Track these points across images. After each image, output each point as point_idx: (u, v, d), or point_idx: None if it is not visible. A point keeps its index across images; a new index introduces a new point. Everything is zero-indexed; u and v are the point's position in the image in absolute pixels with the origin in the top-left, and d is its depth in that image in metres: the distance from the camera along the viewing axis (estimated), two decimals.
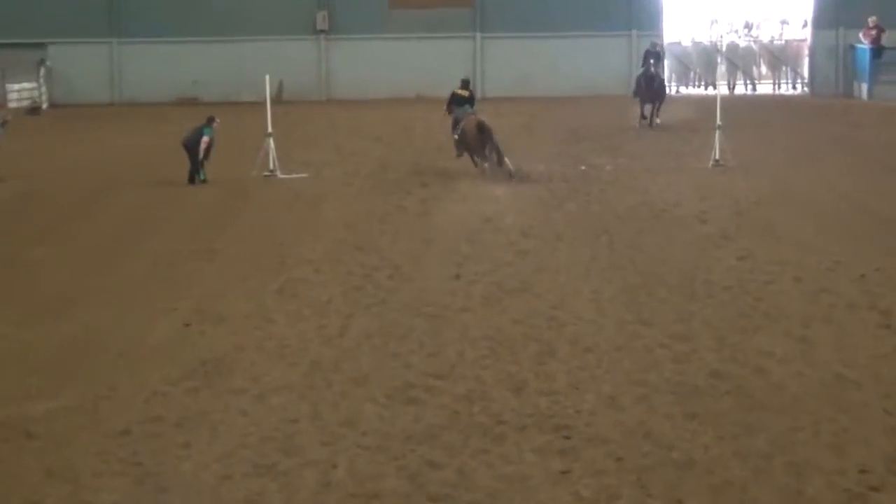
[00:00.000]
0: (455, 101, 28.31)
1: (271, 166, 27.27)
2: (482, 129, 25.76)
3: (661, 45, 29.53)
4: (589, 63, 38.24)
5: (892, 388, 13.29)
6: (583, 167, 26.16)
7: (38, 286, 18.48)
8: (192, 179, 25.74)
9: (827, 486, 10.33)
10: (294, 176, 27.74)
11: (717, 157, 27.39)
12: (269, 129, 27.27)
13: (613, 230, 21.40)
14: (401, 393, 13.64)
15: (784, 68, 40.20)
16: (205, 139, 25.79)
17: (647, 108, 27.81)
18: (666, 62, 38.18)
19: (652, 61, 28.74)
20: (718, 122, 27.30)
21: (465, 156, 27.89)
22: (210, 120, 26.43)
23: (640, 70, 29.69)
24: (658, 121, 28.33)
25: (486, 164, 25.31)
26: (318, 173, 28.35)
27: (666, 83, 28.69)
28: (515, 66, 38.62)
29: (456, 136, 26.81)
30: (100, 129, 35.60)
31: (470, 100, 28.15)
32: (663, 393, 13.18)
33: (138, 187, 26.63)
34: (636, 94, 30.13)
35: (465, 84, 28.41)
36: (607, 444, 11.82)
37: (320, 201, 25.43)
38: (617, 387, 13.48)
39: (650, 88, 27.53)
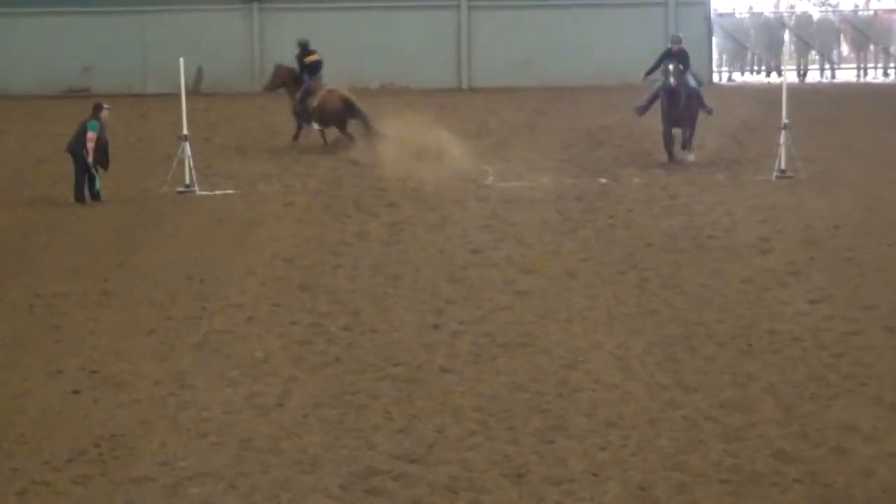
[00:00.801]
0: (308, 70, 32.06)
1: (187, 180, 25.93)
2: (349, 105, 31.57)
3: (683, 42, 26.38)
4: (609, 42, 35.46)
5: None
6: (602, 180, 24.65)
7: None
8: (78, 196, 24.30)
9: None
10: (218, 193, 26.19)
11: (783, 166, 26.44)
12: (185, 132, 26.07)
13: (644, 264, 20.69)
14: (361, 481, 13.09)
15: (872, 47, 36.33)
16: (90, 135, 24.50)
17: (675, 132, 22.99)
18: (714, 42, 36.15)
19: (672, 66, 23.92)
20: (785, 119, 26.24)
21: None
22: (96, 108, 25.37)
23: (658, 81, 23.73)
24: (691, 157, 24.40)
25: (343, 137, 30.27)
26: (251, 189, 27.02)
27: (700, 96, 23.64)
28: (513, 45, 36.20)
29: (301, 108, 31.11)
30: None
31: (319, 65, 32.71)
32: (710, 481, 12.78)
33: (9, 207, 25.85)
34: (642, 110, 25.96)
35: (306, 48, 32.93)
36: None
37: (253, 226, 24.49)
38: (649, 473, 12.92)
39: (674, 108, 23.17)
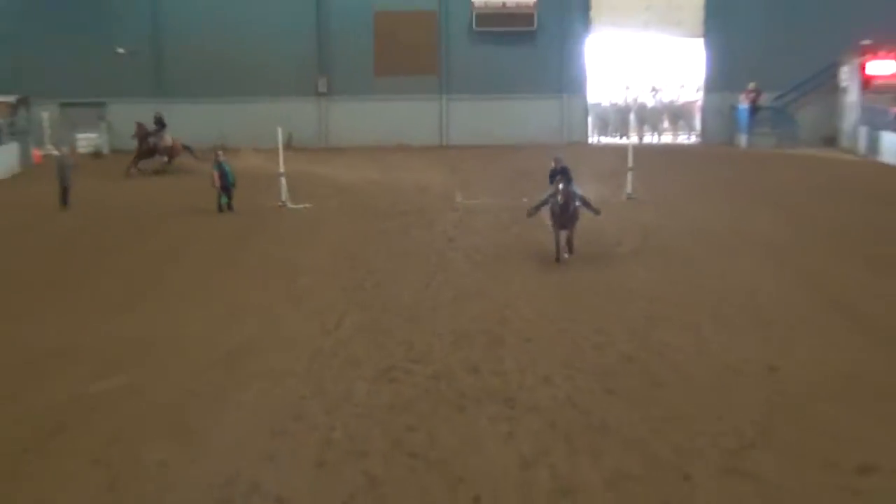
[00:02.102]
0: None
1: (283, 198, 26.83)
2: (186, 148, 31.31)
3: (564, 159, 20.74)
4: (532, 119, 38.59)
5: (767, 368, 13.79)
6: (524, 199, 25.35)
7: (108, 290, 18.58)
8: (218, 208, 25.51)
9: (710, 444, 10.90)
10: (300, 206, 27.24)
11: (630, 192, 27.03)
12: (282, 170, 26.93)
13: (548, 250, 21.00)
14: (384, 374, 13.88)
15: (681, 122, 41.13)
16: (214, 174, 25.35)
17: (563, 234, 19.18)
18: (588, 119, 39.84)
19: (562, 185, 19.13)
20: (630, 165, 27.01)
21: None
22: (215, 156, 26.03)
23: (547, 195, 19.55)
24: (566, 256, 19.39)
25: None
26: (320, 204, 27.84)
27: (586, 201, 20.06)
28: (472, 121, 38.96)
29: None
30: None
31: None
32: (587, 373, 13.53)
33: (180, 215, 26.52)
34: (532, 212, 20.51)
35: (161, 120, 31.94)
36: (543, 412, 12.20)
37: (320, 225, 25.33)
38: (551, 368, 13.81)
39: (564, 215, 18.92)
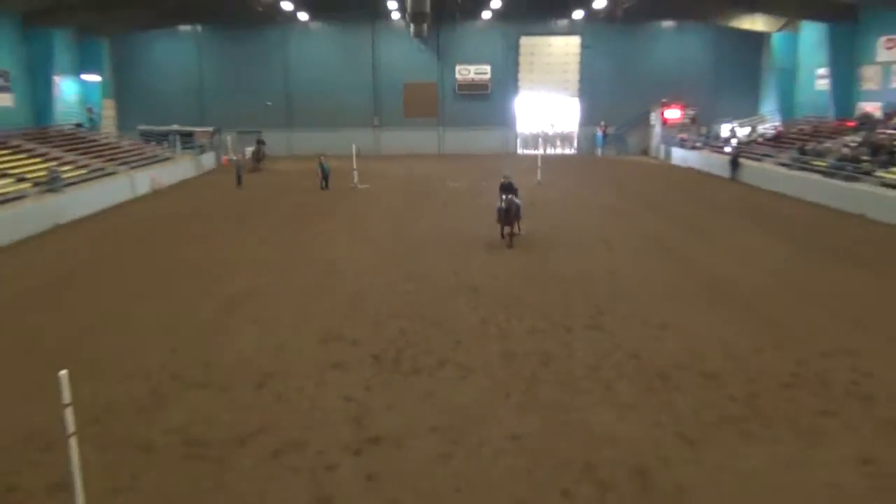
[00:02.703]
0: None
1: (354, 182, 33.87)
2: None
3: (513, 179, 21.53)
4: (486, 140, 51.81)
5: (610, 272, 17.34)
6: (484, 182, 32.91)
7: (261, 230, 23.27)
8: (322, 187, 33.12)
9: (581, 313, 14.33)
10: (364, 187, 33.61)
11: (539, 179, 33.99)
12: (354, 167, 34.28)
13: (471, 207, 24.49)
14: (408, 278, 17.11)
15: (566, 142, 52.91)
16: (318, 170, 33.36)
17: (507, 229, 20.41)
18: (518, 139, 52.56)
19: (505, 196, 20.31)
20: (539, 165, 34.63)
21: None
22: (319, 159, 33.79)
23: (499, 203, 20.70)
24: (520, 232, 20.74)
25: None
26: (374, 186, 34.05)
27: (519, 205, 20.52)
28: (455, 141, 52.09)
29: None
30: (284, 164, 44.62)
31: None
32: (516, 274, 16.77)
33: (298, 192, 32.48)
34: (499, 220, 20.93)
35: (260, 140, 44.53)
36: (493, 295, 15.37)
37: (377, 198, 30.57)
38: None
39: (508, 217, 19.97)
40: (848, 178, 29.02)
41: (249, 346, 12.77)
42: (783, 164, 34.82)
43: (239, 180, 35.54)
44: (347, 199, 30.45)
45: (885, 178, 27.25)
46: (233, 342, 12.95)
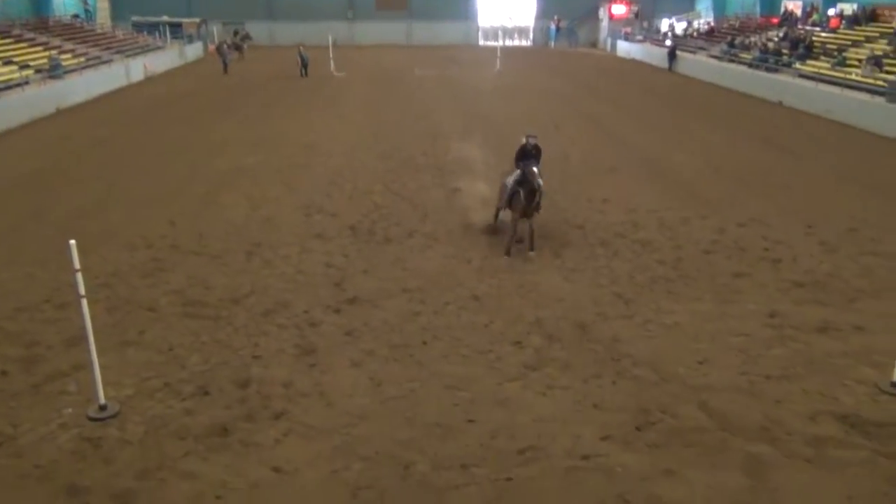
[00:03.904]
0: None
1: (332, 70, 33.14)
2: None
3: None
4: (450, 32, 50.39)
5: (563, 156, 17.23)
6: (448, 70, 32.43)
7: (247, 113, 22.67)
8: (301, 74, 32.03)
9: None
10: (340, 75, 32.54)
11: (498, 67, 33.61)
12: (331, 56, 33.55)
13: (437, 93, 26.23)
14: (382, 155, 17.00)
15: (523, 35, 51.80)
16: (298, 58, 32.02)
17: (518, 223, 10.76)
18: (479, 32, 51.29)
19: (523, 169, 10.35)
20: (498, 55, 34.14)
21: None
22: (298, 48, 32.48)
23: (511, 181, 10.66)
24: (531, 253, 10.63)
25: None
26: (350, 74, 32.84)
27: (540, 185, 10.29)
28: (422, 32, 50.29)
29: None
30: (263, 55, 41.55)
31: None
32: (474, 140, 16.15)
33: (280, 79, 31.09)
34: (503, 207, 11.22)
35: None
36: (454, 172, 15.08)
37: (352, 85, 29.57)
38: (460, 148, 16.63)
39: (530, 202, 10.32)
40: (770, 70, 28.89)
41: (239, 218, 12.65)
42: (715, 57, 34.48)
43: (225, 68, 34.58)
44: (325, 85, 29.63)
45: (801, 69, 27.25)
46: (224, 214, 12.82)
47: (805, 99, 24.73)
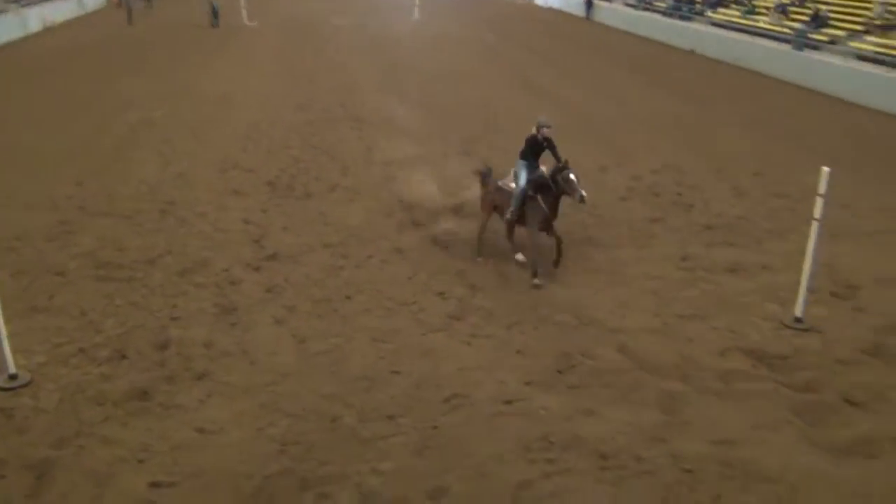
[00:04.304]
0: None
1: (245, 19, 31.28)
2: None
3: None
4: None
5: (484, 101, 17.06)
6: (364, 19, 31.96)
7: (155, 66, 21.54)
8: (212, 25, 30.47)
9: (461, 129, 14.22)
10: (253, 24, 31.05)
11: (417, 16, 32.78)
12: (243, 5, 31.45)
13: (353, 42, 25.97)
14: (299, 107, 16.45)
15: None
16: (210, 7, 30.73)
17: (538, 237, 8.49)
18: None
19: (566, 174, 7.98)
20: (417, 2, 33.30)
21: None
22: None
23: (521, 186, 8.32)
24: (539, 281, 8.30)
25: None
26: (264, 23, 31.47)
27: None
28: None
29: None
30: (171, 4, 37.64)
31: None
32: (394, 107, 16.42)
33: (190, 30, 29.67)
34: (513, 221, 8.61)
35: None
36: (374, 124, 14.96)
37: (266, 35, 28.47)
38: (373, 97, 16.48)
39: (555, 212, 8.23)
40: (683, 18, 29.41)
41: (151, 175, 12.22)
42: (630, 5, 34.82)
43: (129, 18, 32.85)
44: (237, 36, 28.53)
45: (713, 18, 27.83)
46: (135, 172, 12.36)
47: (717, 47, 25.26)
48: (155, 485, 5.27)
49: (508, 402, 6.19)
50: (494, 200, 8.96)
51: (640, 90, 19.80)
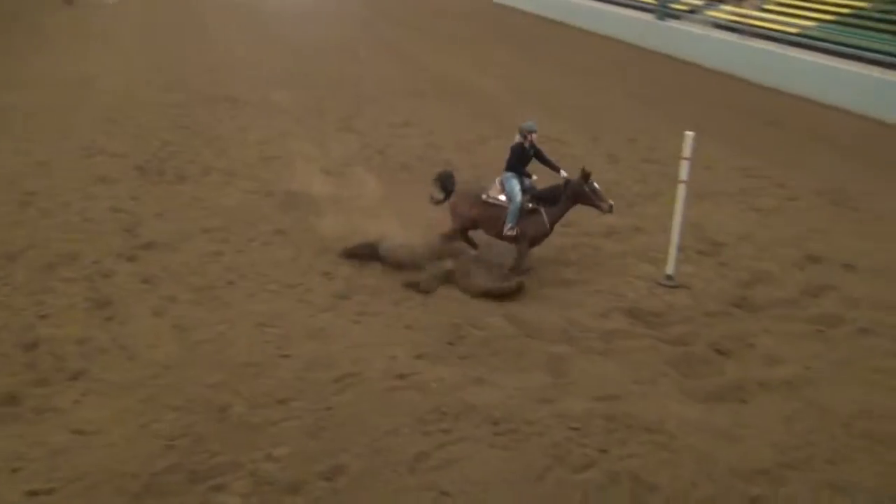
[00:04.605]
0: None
1: None
2: None
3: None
4: None
5: (358, 77, 16.66)
6: None
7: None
8: (67, 2, 27.13)
9: (339, 105, 14.09)
10: (114, 0, 28.02)
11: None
12: None
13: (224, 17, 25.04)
14: (166, 87, 15.68)
15: None
16: None
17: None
18: None
19: (578, 183, 7.68)
20: None
21: None
22: None
23: (516, 202, 7.70)
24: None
25: None
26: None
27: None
28: None
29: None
30: None
31: None
32: (268, 85, 16.02)
33: (40, 8, 25.77)
34: (513, 235, 7.80)
35: None
36: (250, 104, 14.60)
37: (130, 13, 25.97)
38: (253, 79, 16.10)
39: (553, 225, 7.86)
40: None
41: (8, 165, 11.29)
42: None
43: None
44: (97, 14, 26.12)
45: None
46: None
47: (592, 20, 25.92)
48: (33, 493, 4.98)
49: (401, 377, 6.23)
50: (474, 215, 8.07)
51: (519, 64, 20.01)
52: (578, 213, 9.59)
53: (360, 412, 5.83)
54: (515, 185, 7.98)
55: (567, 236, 9.14)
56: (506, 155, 8.09)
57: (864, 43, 16.97)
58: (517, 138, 8.05)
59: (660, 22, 22.59)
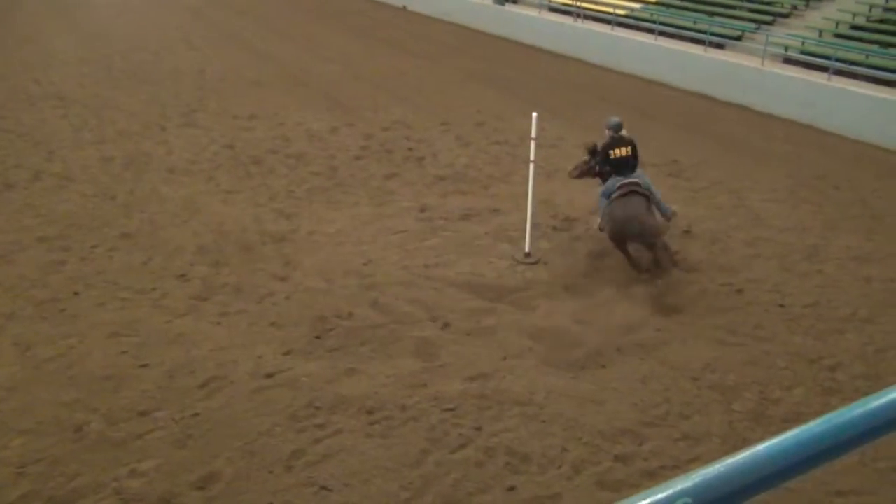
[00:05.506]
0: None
1: None
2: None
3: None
4: None
5: (199, 70, 16.33)
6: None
7: None
8: None
9: (178, 104, 13.36)
10: None
11: None
12: None
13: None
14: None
15: None
16: None
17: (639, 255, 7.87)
18: None
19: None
20: None
21: None
22: None
23: (606, 201, 7.65)
24: (658, 283, 7.42)
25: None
26: None
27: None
28: None
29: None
30: None
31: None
32: (99, 82, 15.21)
33: None
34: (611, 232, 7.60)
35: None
36: (83, 102, 13.71)
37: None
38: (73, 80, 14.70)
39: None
40: None
41: None
42: None
43: None
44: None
45: None
46: None
47: (426, 3, 26.37)
48: None
49: (269, 376, 6.12)
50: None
51: (360, 49, 20.03)
52: (438, 197, 9.80)
53: (230, 416, 5.66)
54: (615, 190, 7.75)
55: (425, 221, 9.24)
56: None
57: (686, 23, 18.47)
58: (606, 136, 7.96)
59: (497, 7, 23.26)
